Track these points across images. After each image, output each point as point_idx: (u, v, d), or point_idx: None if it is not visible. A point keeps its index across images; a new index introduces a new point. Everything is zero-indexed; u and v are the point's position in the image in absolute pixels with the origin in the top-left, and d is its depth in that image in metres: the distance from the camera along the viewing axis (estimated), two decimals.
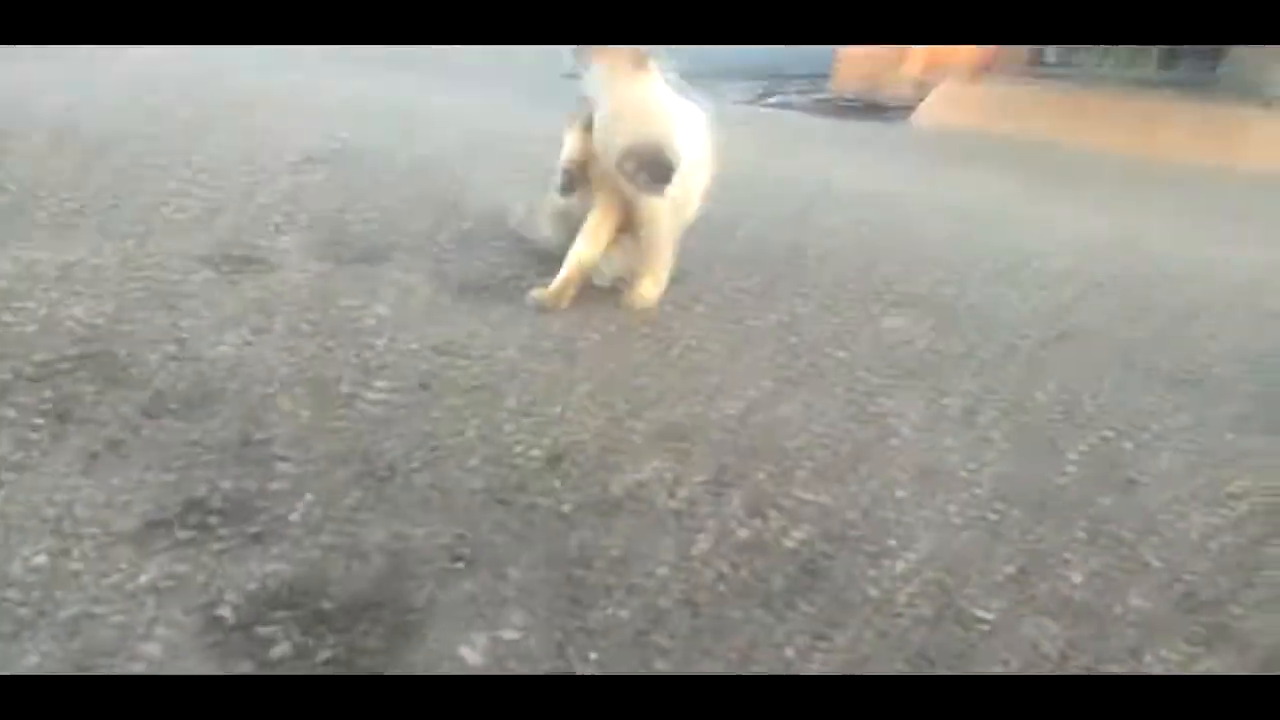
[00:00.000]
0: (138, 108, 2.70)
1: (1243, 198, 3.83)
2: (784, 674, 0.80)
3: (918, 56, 7.25)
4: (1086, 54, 10.53)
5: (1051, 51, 10.90)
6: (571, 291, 1.60)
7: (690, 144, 1.57)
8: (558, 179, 1.66)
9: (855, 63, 7.45)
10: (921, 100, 6.46)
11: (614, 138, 1.53)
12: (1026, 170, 4.01)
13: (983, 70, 7.89)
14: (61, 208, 1.75)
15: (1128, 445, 1.33)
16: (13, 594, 0.78)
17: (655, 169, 1.52)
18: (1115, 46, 10.11)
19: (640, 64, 1.53)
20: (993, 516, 1.09)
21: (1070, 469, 1.23)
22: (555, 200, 1.73)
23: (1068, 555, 1.03)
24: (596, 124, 1.56)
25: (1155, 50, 10.28)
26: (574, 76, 1.62)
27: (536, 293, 1.59)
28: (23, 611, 0.76)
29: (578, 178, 1.62)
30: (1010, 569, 0.99)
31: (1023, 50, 8.98)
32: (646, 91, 1.54)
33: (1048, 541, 1.05)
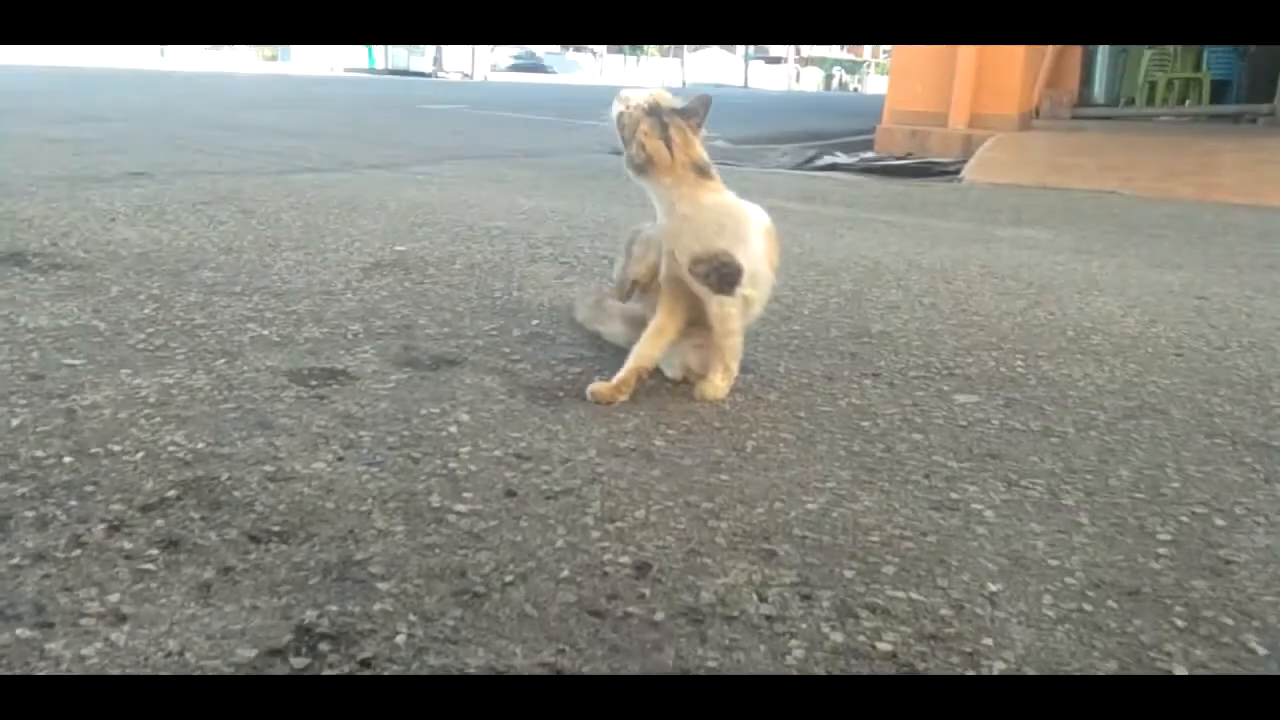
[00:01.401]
0: (207, 231, 2.85)
1: None
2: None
3: (962, 110, 7.31)
4: (1135, 92, 10.50)
5: (1099, 92, 10.89)
6: (632, 386, 1.64)
7: (756, 246, 1.63)
8: (620, 288, 1.73)
9: (899, 120, 7.54)
10: (970, 155, 6.48)
11: (685, 244, 1.59)
12: (1084, 225, 3.98)
13: (1029, 118, 7.92)
14: (151, 335, 1.85)
15: (1219, 522, 1.31)
16: None
17: (726, 272, 1.58)
18: (1163, 82, 10.06)
19: (704, 173, 1.60)
20: (1087, 608, 1.08)
21: (1161, 552, 1.22)
22: (619, 302, 1.79)
23: (1168, 648, 1.01)
24: (665, 232, 1.62)
25: (1205, 83, 10.22)
26: (618, 153, 1.69)
27: (595, 386, 1.64)
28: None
29: (647, 287, 1.69)
30: (1111, 665, 0.98)
31: (1067, 93, 9.00)
32: (712, 199, 1.60)
33: (1146, 633, 1.04)
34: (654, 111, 1.59)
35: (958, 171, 5.86)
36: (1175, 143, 7.10)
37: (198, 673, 0.90)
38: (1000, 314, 2.37)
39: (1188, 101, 10.37)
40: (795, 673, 0.95)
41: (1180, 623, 1.06)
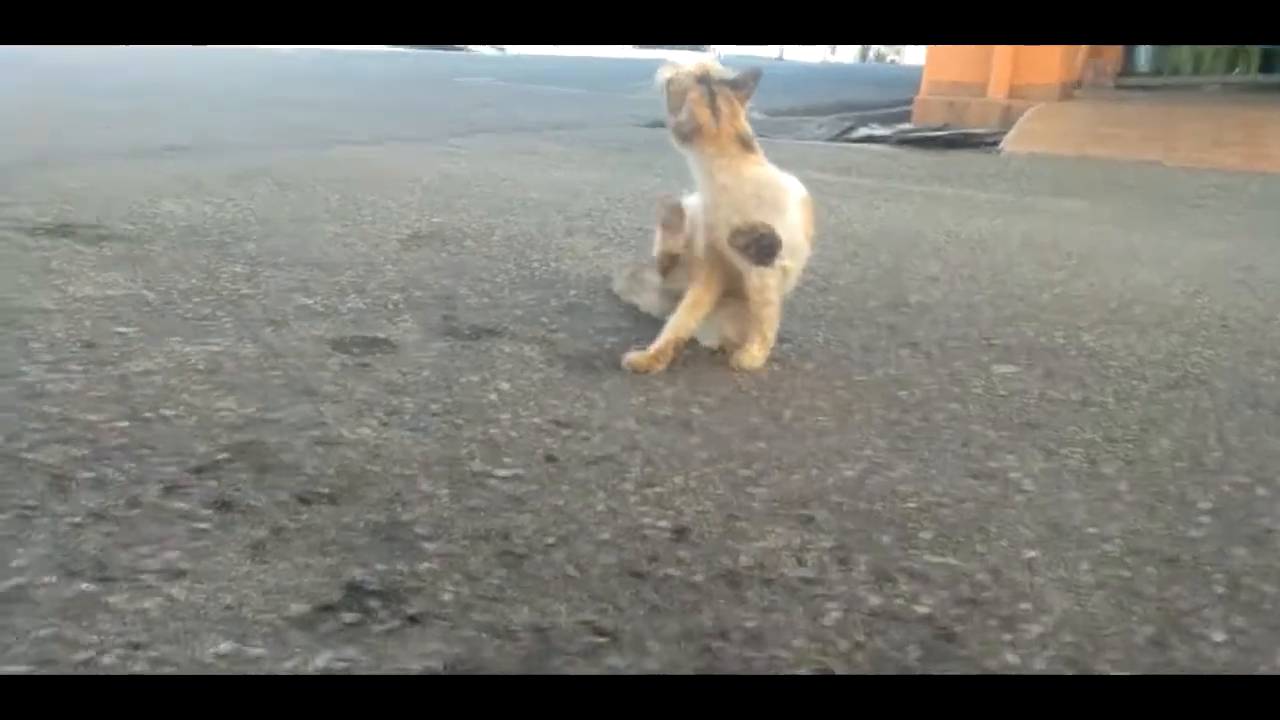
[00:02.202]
0: (249, 204, 2.89)
1: None
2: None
3: (1001, 80, 7.18)
4: (1180, 61, 10.24)
5: (1143, 61, 10.64)
6: (669, 356, 1.65)
7: (794, 218, 1.63)
8: (655, 263, 1.74)
9: (937, 91, 7.43)
10: (1009, 126, 6.38)
11: (724, 216, 1.59)
12: (1127, 196, 3.92)
13: (1071, 88, 7.77)
14: (199, 305, 1.88)
15: (1261, 492, 1.30)
16: None
17: (765, 244, 1.59)
18: (1210, 51, 9.82)
19: (747, 145, 1.60)
20: (1125, 574, 1.08)
21: (1202, 520, 1.22)
22: (655, 276, 1.80)
23: (1207, 614, 1.02)
24: (704, 203, 1.62)
25: (1255, 51, 9.96)
26: (660, 126, 1.70)
27: (632, 356, 1.65)
28: (214, 675, 0.83)
29: (673, 264, 1.70)
30: (1148, 630, 0.99)
31: (1110, 63, 8.81)
32: (754, 173, 1.61)
33: (1184, 600, 1.04)
34: (704, 80, 1.59)
35: (996, 143, 5.78)
36: (1221, 112, 6.94)
37: (254, 626, 0.93)
38: (1040, 285, 2.35)
39: (1236, 70, 10.11)
40: (833, 634, 0.96)
41: (1220, 590, 1.06)
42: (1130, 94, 8.15)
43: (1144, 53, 10.74)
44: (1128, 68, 9.77)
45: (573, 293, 2.10)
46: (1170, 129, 6.05)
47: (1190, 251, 2.84)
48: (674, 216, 1.70)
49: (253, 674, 0.83)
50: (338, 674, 0.86)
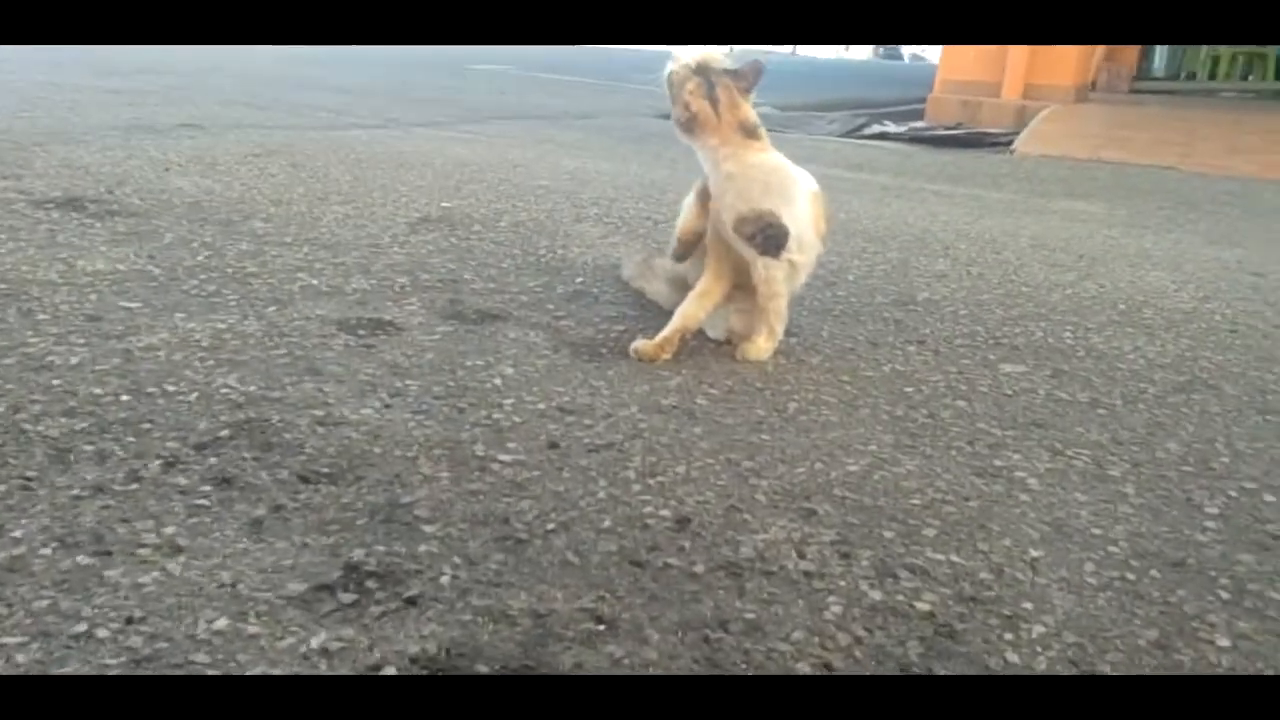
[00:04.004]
0: (258, 182, 2.88)
1: None
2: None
3: (1016, 80, 7.14)
4: (1197, 66, 10.19)
5: (1159, 65, 10.57)
6: (675, 345, 1.64)
7: (803, 210, 1.61)
8: (672, 247, 1.72)
9: (951, 90, 7.39)
10: (1023, 127, 6.35)
11: (731, 203, 1.58)
12: (1139, 200, 3.90)
13: (1085, 90, 7.72)
14: (205, 281, 1.88)
15: (1269, 498, 1.29)
16: (201, 657, 0.85)
17: (771, 233, 1.57)
18: (1226, 57, 9.75)
19: (752, 134, 1.59)
20: (1130, 577, 1.08)
21: (1209, 525, 1.20)
22: (667, 262, 1.79)
23: (1212, 619, 1.01)
24: (712, 192, 1.61)
25: (1271, 59, 9.89)
26: (664, 116, 1.70)
27: (638, 344, 1.64)
28: (211, 674, 0.83)
29: (691, 245, 1.68)
30: (1152, 633, 0.98)
31: (1125, 66, 8.75)
32: (760, 160, 1.59)
33: (1190, 604, 1.03)
34: (702, 71, 1.57)
35: (1009, 143, 5.74)
36: (1237, 119, 6.90)
37: (250, 604, 0.93)
38: (1049, 285, 2.34)
39: (1251, 77, 10.06)
40: (833, 628, 0.96)
41: (1225, 595, 1.05)
42: (1145, 98, 8.11)
43: (1159, 57, 10.68)
44: (1143, 71, 9.73)
45: (579, 280, 2.09)
46: (1186, 134, 6.02)
47: (1202, 257, 2.82)
48: (701, 198, 1.68)
49: (242, 674, 0.82)
50: (326, 674, 0.85)
